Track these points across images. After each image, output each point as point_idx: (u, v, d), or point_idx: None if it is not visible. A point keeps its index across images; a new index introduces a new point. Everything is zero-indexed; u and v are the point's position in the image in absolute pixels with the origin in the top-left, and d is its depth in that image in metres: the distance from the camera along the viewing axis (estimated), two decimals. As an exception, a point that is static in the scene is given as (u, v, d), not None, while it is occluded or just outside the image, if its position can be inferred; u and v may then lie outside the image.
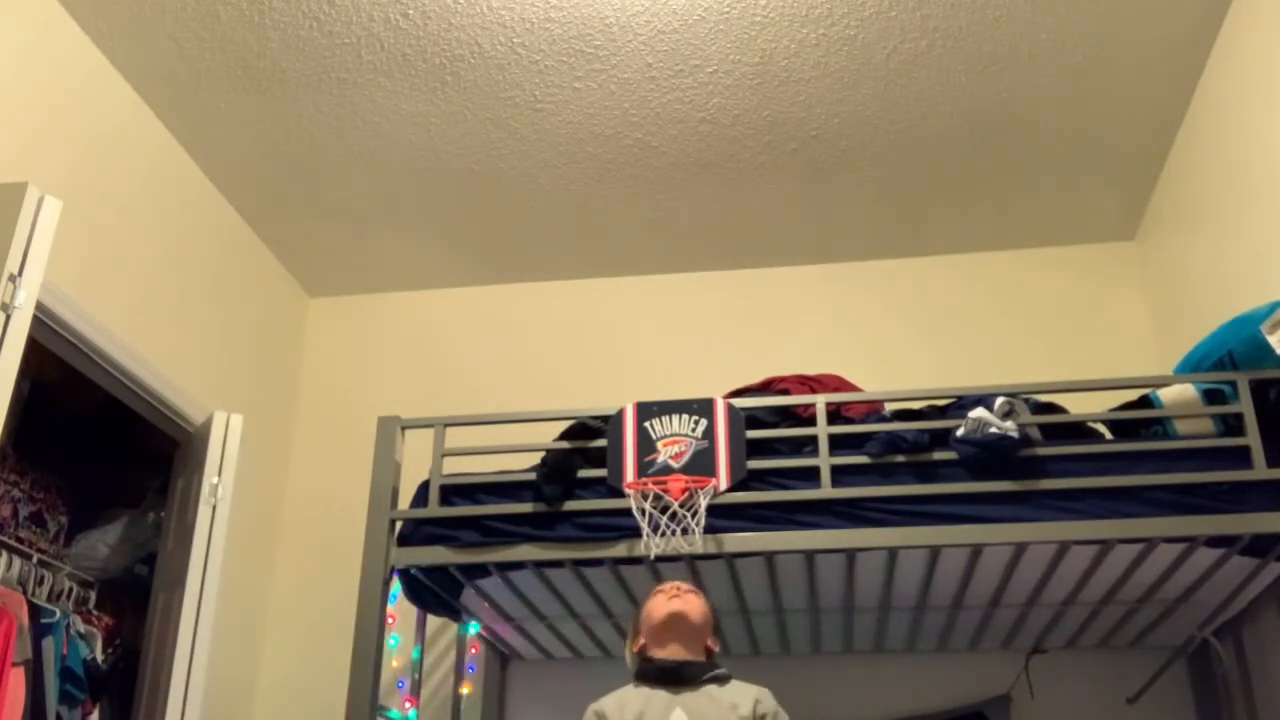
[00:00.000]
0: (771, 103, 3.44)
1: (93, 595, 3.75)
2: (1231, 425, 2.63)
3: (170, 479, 3.54)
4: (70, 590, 3.64)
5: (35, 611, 3.21)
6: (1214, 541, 2.62)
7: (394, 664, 3.67)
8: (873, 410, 2.93)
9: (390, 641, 3.53)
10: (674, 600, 2.48)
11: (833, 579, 2.93)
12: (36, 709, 3.10)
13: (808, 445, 2.80)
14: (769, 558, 2.78)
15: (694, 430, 2.78)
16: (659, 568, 2.83)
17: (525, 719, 3.70)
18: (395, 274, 4.38)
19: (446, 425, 2.96)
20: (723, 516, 2.68)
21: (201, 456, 3.29)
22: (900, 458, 2.69)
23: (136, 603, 3.75)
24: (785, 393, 3.04)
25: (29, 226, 2.41)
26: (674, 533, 2.63)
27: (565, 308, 4.36)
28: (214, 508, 3.21)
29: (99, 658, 3.51)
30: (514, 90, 3.40)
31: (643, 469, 2.75)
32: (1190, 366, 2.83)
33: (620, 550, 2.72)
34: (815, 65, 3.29)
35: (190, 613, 3.05)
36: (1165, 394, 2.73)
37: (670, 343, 4.20)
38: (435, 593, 3.07)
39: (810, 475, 2.70)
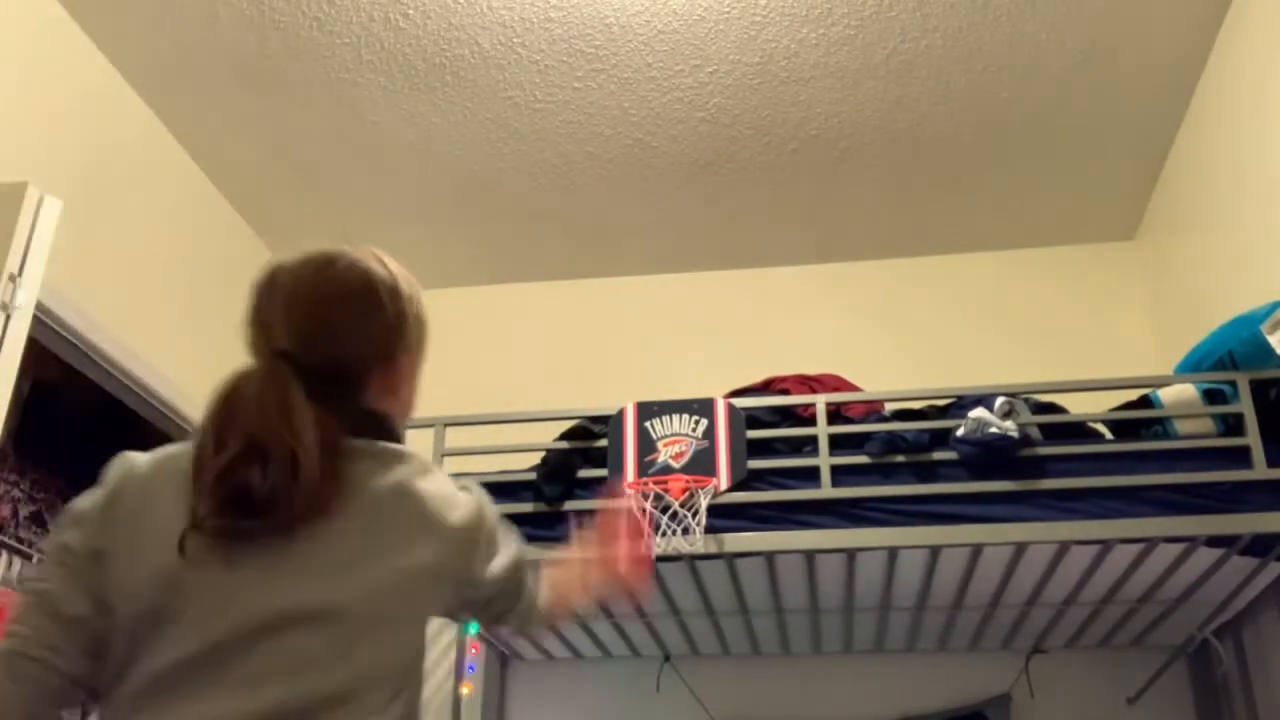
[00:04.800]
0: (771, 103, 3.44)
1: (93, 595, 3.75)
2: (1231, 425, 2.63)
3: (170, 479, 3.54)
4: (70, 590, 3.63)
5: (35, 611, 3.21)
6: (1214, 541, 2.62)
7: (394, 664, 3.66)
8: (873, 410, 2.92)
9: (390, 641, 3.53)
10: None
11: (833, 579, 2.93)
12: (36, 709, 3.09)
13: (808, 445, 2.79)
14: (769, 557, 2.78)
15: (694, 430, 2.78)
16: (659, 568, 2.83)
17: (525, 719, 3.70)
18: (395, 274, 4.37)
19: (446, 425, 2.96)
20: (723, 516, 2.68)
21: (202, 456, 3.29)
22: (900, 458, 2.68)
23: (136, 603, 3.75)
24: (785, 392, 3.04)
25: (29, 226, 2.40)
26: (675, 532, 2.63)
27: (565, 308, 4.35)
28: (214, 508, 3.20)
29: (99, 658, 3.51)
30: (514, 90, 3.40)
31: (643, 469, 2.75)
32: (1190, 366, 2.83)
33: (620, 550, 2.72)
34: (815, 65, 3.29)
35: (190, 613, 3.04)
36: (1165, 394, 2.73)
37: (670, 343, 4.19)
38: (435, 592, 3.06)
39: (810, 475, 2.70)
